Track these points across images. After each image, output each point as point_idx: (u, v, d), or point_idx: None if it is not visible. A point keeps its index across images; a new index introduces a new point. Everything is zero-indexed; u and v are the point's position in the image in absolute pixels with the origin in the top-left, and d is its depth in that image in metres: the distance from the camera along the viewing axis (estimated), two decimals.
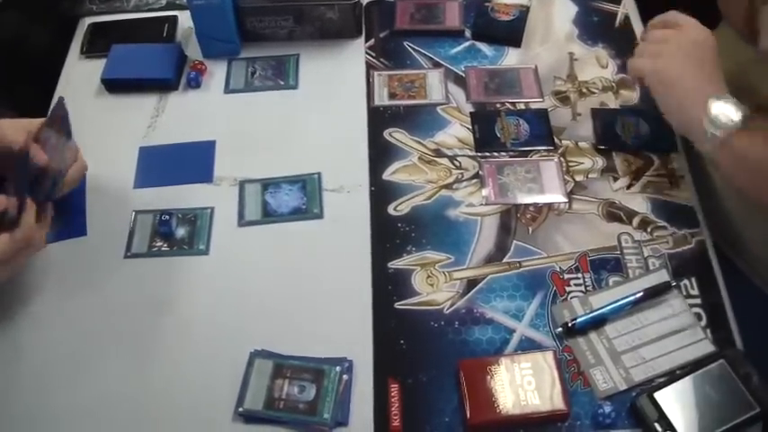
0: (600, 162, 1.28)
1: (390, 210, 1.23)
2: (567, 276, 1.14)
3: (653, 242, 1.18)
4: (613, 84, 1.38)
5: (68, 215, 1.22)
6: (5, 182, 1.08)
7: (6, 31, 1.44)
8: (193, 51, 1.47)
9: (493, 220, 1.21)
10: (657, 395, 1.00)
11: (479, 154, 1.30)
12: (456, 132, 1.33)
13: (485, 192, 1.24)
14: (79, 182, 1.19)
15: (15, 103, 1.31)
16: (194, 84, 1.41)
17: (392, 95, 1.39)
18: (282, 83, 1.42)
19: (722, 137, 1.04)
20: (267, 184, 1.26)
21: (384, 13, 1.53)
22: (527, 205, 1.23)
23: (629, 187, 1.24)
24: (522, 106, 1.36)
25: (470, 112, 1.35)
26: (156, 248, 1.20)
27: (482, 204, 1.23)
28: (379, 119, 1.35)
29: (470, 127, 1.33)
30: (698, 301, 1.12)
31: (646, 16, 1.48)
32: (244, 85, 1.42)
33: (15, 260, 1.03)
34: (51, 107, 1.14)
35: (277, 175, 1.27)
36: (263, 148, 1.32)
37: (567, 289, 1.13)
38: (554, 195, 1.23)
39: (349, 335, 1.10)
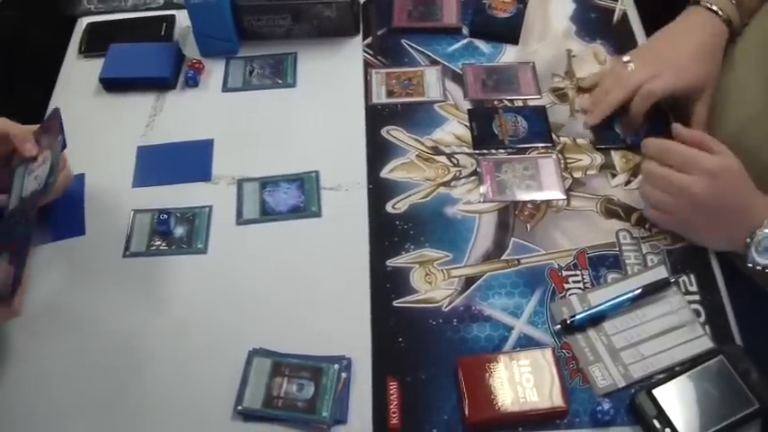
0: (598, 159, 1.28)
1: (388, 207, 1.23)
2: (565, 273, 1.14)
3: (651, 239, 1.18)
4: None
5: (66, 215, 1.22)
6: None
7: (5, 31, 1.45)
8: (191, 50, 1.47)
9: (491, 218, 1.21)
10: (656, 392, 1.00)
11: (477, 151, 1.30)
12: (454, 130, 1.33)
13: (483, 189, 1.24)
14: (62, 192, 1.19)
15: (14, 102, 1.31)
16: (192, 83, 1.41)
17: (390, 93, 1.39)
18: (280, 81, 1.42)
19: None
20: (265, 183, 1.26)
21: (381, 11, 1.53)
22: (525, 202, 1.23)
23: (627, 183, 1.24)
24: (520, 103, 1.36)
25: (468, 110, 1.35)
26: (154, 247, 1.20)
27: (480, 202, 1.23)
28: (376, 117, 1.35)
29: (468, 124, 1.33)
30: (696, 297, 1.12)
31: (643, 12, 1.48)
32: (242, 83, 1.42)
33: None
34: (47, 114, 1.14)
35: (275, 174, 1.27)
36: (261, 146, 1.32)
37: (566, 286, 1.13)
38: (552, 192, 1.23)
39: (347, 333, 1.10)
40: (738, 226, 1.09)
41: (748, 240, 1.07)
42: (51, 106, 1.37)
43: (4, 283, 1.02)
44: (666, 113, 1.30)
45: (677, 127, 1.13)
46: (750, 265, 1.07)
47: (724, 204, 1.09)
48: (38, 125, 1.13)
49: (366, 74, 1.42)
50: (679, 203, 1.10)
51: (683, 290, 1.12)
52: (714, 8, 1.24)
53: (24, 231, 1.06)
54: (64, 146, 1.14)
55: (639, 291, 1.10)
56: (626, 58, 1.28)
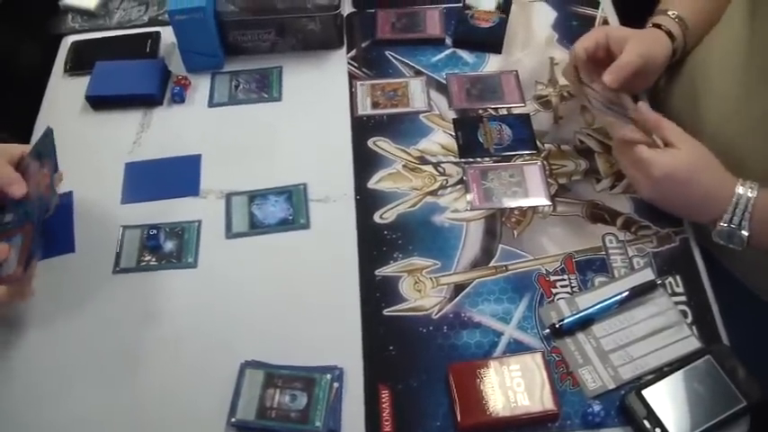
0: (583, 164, 1.29)
1: (376, 218, 1.24)
2: (553, 278, 1.15)
3: (637, 242, 1.19)
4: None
5: (56, 232, 1.22)
6: None
7: None
8: (177, 66, 1.48)
9: (478, 225, 1.22)
10: (646, 392, 1.01)
11: (463, 160, 1.31)
12: (439, 139, 1.34)
13: (469, 197, 1.25)
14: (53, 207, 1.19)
15: (1, 121, 1.32)
16: (178, 98, 1.42)
17: (375, 104, 1.40)
18: (266, 95, 1.43)
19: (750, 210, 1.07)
20: (254, 196, 1.27)
21: (365, 24, 1.54)
22: (512, 209, 1.24)
23: (612, 188, 1.25)
24: (505, 111, 1.38)
25: (453, 119, 1.37)
26: (144, 263, 1.20)
27: (467, 210, 1.24)
28: (362, 128, 1.36)
29: (453, 133, 1.34)
30: (683, 298, 1.13)
31: (624, 19, 1.50)
32: (228, 98, 1.43)
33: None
34: (40, 137, 1.14)
35: (263, 187, 1.28)
36: (248, 160, 1.33)
37: (554, 291, 1.14)
38: (538, 198, 1.25)
39: (338, 342, 1.11)
40: (699, 214, 1.14)
41: (711, 227, 1.10)
42: (38, 125, 1.38)
43: (17, 266, 1.04)
44: None
45: (641, 106, 1.14)
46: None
47: (676, 201, 1.15)
48: (24, 146, 1.14)
49: (351, 86, 1.43)
50: (641, 183, 1.14)
51: (670, 291, 1.13)
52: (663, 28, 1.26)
53: (36, 211, 1.08)
54: (56, 167, 1.15)
55: (627, 293, 1.11)
56: None
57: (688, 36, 1.26)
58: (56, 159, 1.15)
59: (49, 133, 1.14)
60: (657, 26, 1.25)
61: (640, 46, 1.19)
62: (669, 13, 1.26)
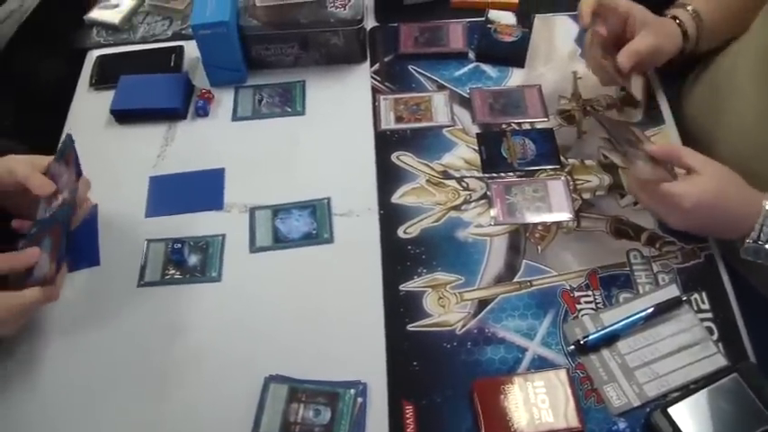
0: (606, 179, 1.28)
1: (400, 232, 1.24)
2: (577, 294, 1.15)
3: (662, 257, 1.18)
4: (617, 101, 1.39)
5: (81, 246, 1.23)
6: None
7: (17, 66, 1.46)
8: (200, 80, 1.48)
9: (502, 240, 1.22)
10: (672, 410, 1.00)
11: (486, 175, 1.30)
12: (463, 154, 1.34)
13: (493, 212, 1.25)
14: (82, 219, 1.20)
15: (26, 136, 1.32)
16: (202, 112, 1.43)
17: (398, 119, 1.40)
18: (289, 109, 1.43)
19: None
20: (277, 210, 1.27)
21: (388, 38, 1.54)
22: (535, 224, 1.23)
23: (636, 203, 1.24)
24: (528, 126, 1.37)
25: (476, 134, 1.37)
26: (168, 276, 1.21)
27: (491, 225, 1.24)
28: (386, 142, 1.36)
29: (477, 148, 1.34)
30: (709, 315, 1.12)
31: None
32: (251, 112, 1.44)
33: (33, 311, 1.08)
34: (60, 142, 1.15)
35: (286, 201, 1.28)
36: (271, 174, 1.33)
37: (578, 307, 1.14)
38: (562, 214, 1.24)
39: (362, 358, 1.11)
40: (729, 233, 1.12)
41: (738, 244, 1.09)
42: (64, 138, 1.38)
43: (50, 267, 1.06)
44: None
45: (653, 149, 1.13)
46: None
47: (707, 226, 1.14)
48: (50, 157, 1.15)
49: (374, 100, 1.44)
50: (670, 216, 1.13)
51: (696, 308, 1.13)
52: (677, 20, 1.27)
53: (65, 216, 1.09)
54: (79, 173, 1.16)
55: (652, 310, 1.11)
56: None
57: (702, 34, 1.26)
58: (79, 165, 1.16)
59: (68, 139, 1.15)
60: (674, 18, 1.25)
61: (654, 38, 1.21)
62: (687, 7, 1.26)
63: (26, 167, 1.11)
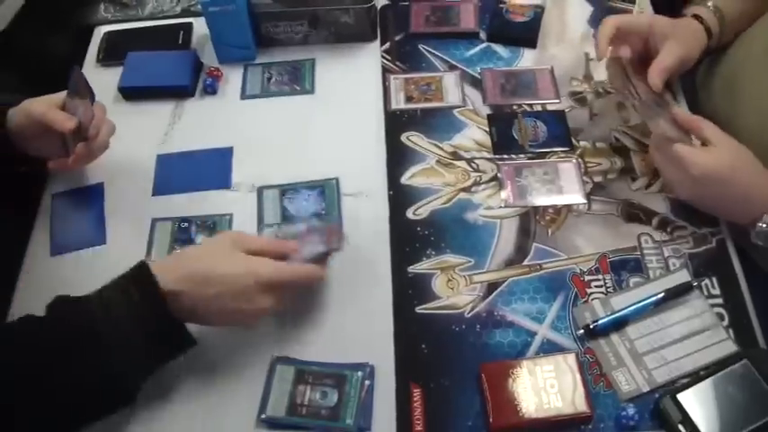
0: (618, 162, 1.27)
1: (409, 214, 1.23)
2: (587, 278, 1.14)
3: (673, 242, 1.18)
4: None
5: (87, 224, 1.23)
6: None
7: (23, 42, 1.45)
8: (209, 58, 1.47)
9: (512, 223, 1.21)
10: (681, 396, 1.00)
11: (497, 156, 1.30)
12: (473, 135, 1.33)
13: (503, 194, 1.24)
14: (108, 139, 1.23)
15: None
16: (211, 90, 1.42)
17: (408, 99, 1.39)
18: (299, 88, 1.42)
19: None
20: (285, 190, 1.26)
21: (399, 17, 1.53)
22: (546, 207, 1.22)
23: (647, 187, 1.24)
24: (539, 108, 1.36)
25: (487, 115, 1.35)
26: None
27: (501, 207, 1.23)
28: (396, 122, 1.35)
29: (488, 129, 1.33)
30: (719, 300, 1.11)
31: (660, 14, 1.47)
32: (260, 90, 1.43)
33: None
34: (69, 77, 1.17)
35: (295, 181, 1.27)
36: (280, 153, 1.32)
37: (588, 291, 1.13)
38: (573, 196, 1.23)
39: (370, 339, 1.10)
40: (738, 214, 1.12)
41: (750, 228, 1.09)
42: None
43: (89, 120, 1.14)
44: None
45: (678, 112, 1.13)
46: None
47: (714, 201, 1.14)
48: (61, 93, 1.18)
49: (384, 79, 1.42)
50: (678, 182, 1.14)
51: (706, 293, 1.12)
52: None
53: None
54: (93, 98, 1.18)
55: (662, 295, 1.10)
56: None
57: (724, 29, 1.25)
58: (91, 90, 1.19)
59: (75, 71, 1.18)
60: (696, 17, 1.24)
61: (680, 47, 1.20)
62: (708, 3, 1.25)
63: (43, 106, 1.14)
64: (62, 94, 1.16)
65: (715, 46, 1.26)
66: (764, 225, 1.06)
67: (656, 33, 1.20)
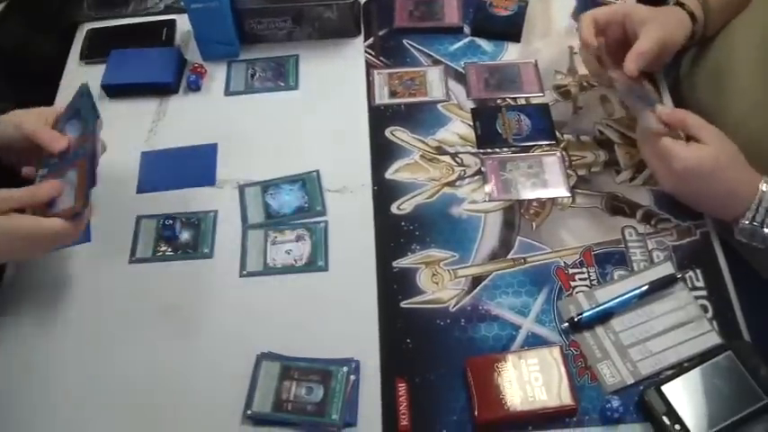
0: (602, 155, 1.28)
1: (393, 209, 1.23)
2: (571, 271, 1.14)
3: (657, 235, 1.18)
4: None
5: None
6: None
7: (8, 40, 1.44)
8: (193, 54, 1.47)
9: (496, 217, 1.21)
10: (665, 388, 1.00)
11: (481, 150, 1.30)
12: (457, 129, 1.33)
13: (488, 188, 1.24)
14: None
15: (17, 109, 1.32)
16: (194, 87, 1.41)
17: (393, 94, 1.39)
18: (282, 84, 1.42)
19: None
20: (267, 186, 1.26)
21: (383, 12, 1.53)
22: (530, 201, 1.23)
23: (631, 180, 1.24)
24: (523, 101, 1.36)
25: (471, 109, 1.35)
26: (160, 253, 1.20)
27: (485, 201, 1.23)
28: (380, 117, 1.35)
29: (471, 123, 1.33)
30: (704, 293, 1.12)
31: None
32: (244, 86, 1.42)
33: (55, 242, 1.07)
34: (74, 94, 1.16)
35: (277, 176, 1.28)
36: (265, 149, 1.32)
37: (573, 284, 1.13)
38: (557, 190, 1.24)
39: (355, 335, 1.10)
40: (721, 210, 1.12)
41: (734, 225, 1.09)
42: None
43: (76, 201, 1.05)
44: None
45: (661, 109, 1.12)
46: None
47: (698, 196, 1.14)
48: (56, 108, 1.17)
49: (368, 75, 1.42)
50: (663, 175, 1.13)
51: (690, 285, 1.12)
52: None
53: (89, 149, 1.08)
54: (98, 123, 1.12)
55: (646, 287, 1.10)
56: None
57: (709, 18, 1.24)
58: (96, 109, 1.14)
59: (83, 90, 1.15)
60: (680, 5, 1.24)
61: (659, 30, 1.18)
62: None
63: (34, 121, 1.12)
64: (54, 109, 1.15)
65: (701, 33, 1.26)
66: (747, 222, 1.07)
67: (633, 20, 1.20)
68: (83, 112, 1.13)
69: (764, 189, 1.05)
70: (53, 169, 1.09)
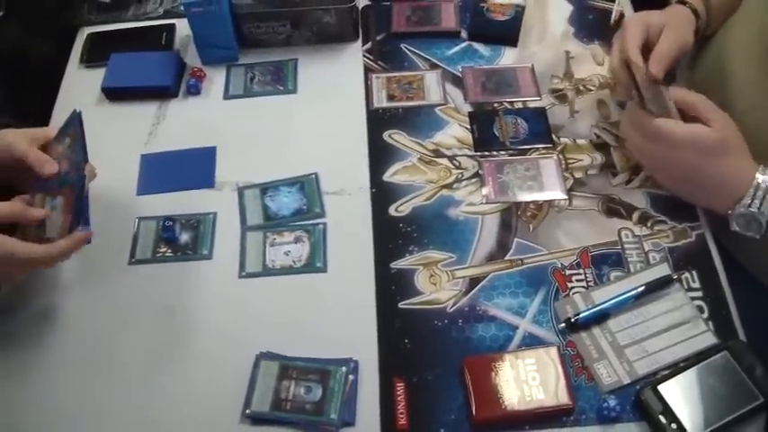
0: (599, 158, 1.28)
1: (391, 211, 1.24)
2: (568, 272, 1.15)
3: (653, 236, 1.19)
4: (610, 81, 1.38)
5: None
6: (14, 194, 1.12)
7: (7, 43, 1.45)
8: (192, 58, 1.48)
9: (494, 219, 1.22)
10: (661, 388, 1.01)
11: (478, 153, 1.30)
12: (455, 132, 1.34)
13: (485, 190, 1.25)
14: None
15: (17, 114, 1.32)
16: (194, 90, 1.42)
17: (390, 97, 1.39)
18: (281, 87, 1.43)
19: None
20: (266, 189, 1.27)
21: (380, 16, 1.54)
22: (527, 203, 1.23)
23: (628, 182, 1.25)
24: (520, 105, 1.37)
25: (469, 112, 1.36)
26: (160, 254, 1.21)
27: (482, 203, 1.24)
28: (378, 121, 1.36)
29: (469, 127, 1.34)
30: (699, 293, 1.12)
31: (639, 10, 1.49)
32: (243, 90, 1.43)
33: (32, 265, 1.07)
34: (66, 119, 1.15)
35: (276, 179, 1.28)
36: (263, 152, 1.33)
37: (569, 285, 1.14)
38: (554, 192, 1.24)
39: (354, 335, 1.11)
40: (714, 197, 1.13)
41: (729, 212, 1.10)
42: (54, 116, 1.38)
43: (62, 227, 1.05)
44: None
45: (676, 90, 1.13)
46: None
47: (691, 180, 1.14)
48: (46, 129, 1.15)
49: (366, 78, 1.43)
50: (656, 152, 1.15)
51: (686, 286, 1.13)
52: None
53: (77, 180, 1.08)
54: (85, 156, 1.11)
55: (642, 288, 1.11)
56: None
57: (711, 14, 1.25)
58: (85, 145, 1.11)
59: (75, 116, 1.13)
60: (682, 3, 1.25)
61: (676, 32, 1.19)
62: None
63: (24, 142, 1.10)
64: (45, 131, 1.15)
65: (703, 29, 1.27)
66: (743, 209, 1.07)
67: (652, 25, 1.20)
68: (74, 139, 1.13)
69: (761, 178, 1.06)
70: (46, 187, 1.10)
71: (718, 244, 1.19)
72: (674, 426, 0.98)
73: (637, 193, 1.23)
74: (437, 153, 1.31)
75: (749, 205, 1.07)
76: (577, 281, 1.14)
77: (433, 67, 1.45)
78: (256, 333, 1.11)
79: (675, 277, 1.13)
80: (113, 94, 1.42)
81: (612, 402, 1.00)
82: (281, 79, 1.44)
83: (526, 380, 1.03)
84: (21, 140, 1.10)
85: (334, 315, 1.13)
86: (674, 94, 1.12)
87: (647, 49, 1.19)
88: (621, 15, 1.50)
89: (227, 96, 1.43)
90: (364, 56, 1.47)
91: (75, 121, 1.12)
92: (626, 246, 1.18)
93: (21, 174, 1.11)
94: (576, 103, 1.37)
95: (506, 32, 1.48)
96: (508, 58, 1.46)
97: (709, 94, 1.23)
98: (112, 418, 1.06)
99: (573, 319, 1.09)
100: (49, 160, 1.10)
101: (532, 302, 1.13)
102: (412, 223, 1.22)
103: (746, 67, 1.19)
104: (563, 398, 1.01)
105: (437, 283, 1.15)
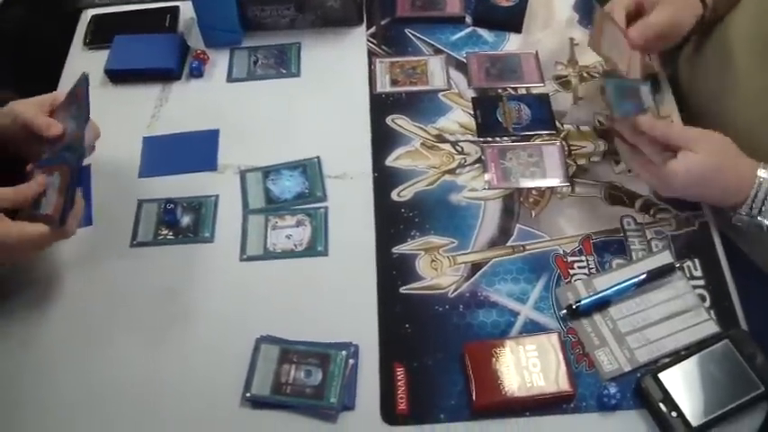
0: (602, 145, 1.28)
1: (394, 195, 1.23)
2: (570, 259, 1.15)
3: (656, 224, 1.18)
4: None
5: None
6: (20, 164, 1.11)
7: (11, 25, 1.45)
8: (196, 41, 1.47)
9: (496, 205, 1.22)
10: (662, 375, 1.01)
11: (481, 139, 1.30)
12: (458, 118, 1.33)
13: (487, 176, 1.25)
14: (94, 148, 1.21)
15: (22, 96, 1.32)
16: (197, 73, 1.42)
17: (394, 82, 1.39)
18: (285, 71, 1.43)
19: None
20: (268, 172, 1.27)
21: (385, 1, 1.53)
22: (530, 189, 1.23)
23: (630, 170, 1.24)
24: (524, 91, 1.37)
25: (472, 98, 1.36)
26: (161, 237, 1.21)
27: (485, 189, 1.24)
28: (381, 105, 1.36)
29: (472, 112, 1.34)
30: (701, 282, 1.12)
31: None
32: (246, 73, 1.43)
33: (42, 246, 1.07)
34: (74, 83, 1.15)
35: (278, 162, 1.28)
36: (266, 136, 1.33)
37: (571, 272, 1.14)
38: (556, 179, 1.24)
39: (355, 319, 1.11)
40: (720, 203, 1.13)
41: (731, 214, 1.10)
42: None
43: (56, 207, 1.04)
44: None
45: (644, 120, 1.11)
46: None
47: (697, 196, 1.16)
48: (54, 93, 1.16)
49: (370, 63, 1.43)
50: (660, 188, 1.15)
51: (688, 275, 1.13)
52: None
53: (72, 155, 1.08)
54: (87, 117, 1.13)
55: (644, 276, 1.11)
56: None
57: (719, 1, 1.25)
58: (88, 108, 1.13)
59: (82, 79, 1.13)
60: None
61: (670, 9, 1.19)
62: None
63: (30, 109, 1.12)
64: (53, 95, 1.15)
65: (710, 17, 1.26)
66: (744, 214, 1.07)
67: (647, 1, 1.21)
68: (81, 103, 1.13)
69: (761, 179, 1.06)
70: (44, 164, 1.09)
71: (721, 233, 1.18)
72: (674, 414, 0.98)
73: (639, 181, 1.23)
74: (440, 138, 1.30)
75: (749, 211, 1.07)
76: (579, 268, 1.14)
77: (437, 52, 1.44)
78: (257, 316, 1.11)
79: (678, 265, 1.13)
80: (117, 76, 1.42)
81: (613, 390, 1.00)
82: (284, 63, 1.44)
83: (527, 366, 1.03)
84: (29, 108, 1.12)
85: (335, 299, 1.13)
86: (643, 122, 1.10)
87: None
88: None
89: (230, 79, 1.42)
90: (368, 40, 1.47)
91: (83, 82, 1.12)
92: (628, 233, 1.18)
93: (31, 145, 1.12)
94: (579, 89, 1.37)
95: (511, 18, 1.48)
96: (512, 44, 1.45)
97: (710, 85, 1.23)
98: (112, 400, 1.05)
99: (574, 306, 1.09)
100: (54, 123, 1.11)
101: (534, 289, 1.13)
102: (414, 208, 1.22)
103: (747, 60, 1.18)
104: (563, 384, 1.01)
105: (438, 269, 1.15)
